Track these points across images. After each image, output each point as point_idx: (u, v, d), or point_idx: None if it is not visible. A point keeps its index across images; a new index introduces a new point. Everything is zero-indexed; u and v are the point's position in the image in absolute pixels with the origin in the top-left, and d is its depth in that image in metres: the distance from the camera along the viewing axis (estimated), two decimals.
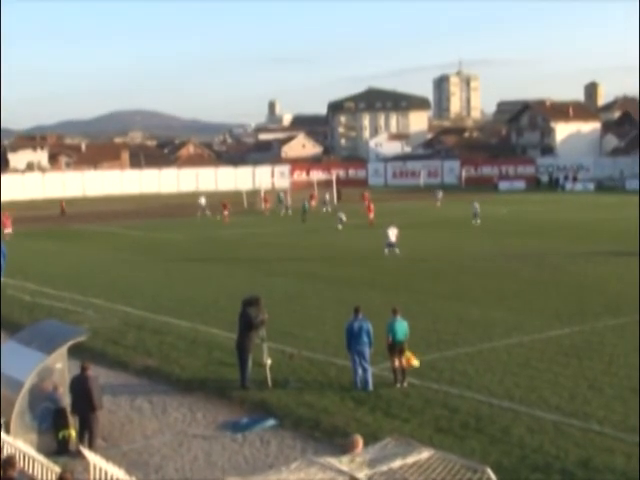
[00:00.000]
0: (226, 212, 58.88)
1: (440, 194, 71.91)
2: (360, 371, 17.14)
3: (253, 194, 75.98)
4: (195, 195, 77.74)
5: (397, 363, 17.29)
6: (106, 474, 10.67)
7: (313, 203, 68.74)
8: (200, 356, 20.26)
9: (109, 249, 44.00)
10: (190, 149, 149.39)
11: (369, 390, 16.87)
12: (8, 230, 49.70)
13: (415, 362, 17.50)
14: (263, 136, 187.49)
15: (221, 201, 60.53)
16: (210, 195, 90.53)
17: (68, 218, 65.47)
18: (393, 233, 38.18)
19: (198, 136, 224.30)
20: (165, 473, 13.53)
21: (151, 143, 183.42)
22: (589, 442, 13.91)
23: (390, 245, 37.78)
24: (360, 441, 10.66)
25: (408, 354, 17.41)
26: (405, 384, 17.11)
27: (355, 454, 8.30)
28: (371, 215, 53.67)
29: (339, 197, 78.32)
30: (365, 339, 17.16)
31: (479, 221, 51.48)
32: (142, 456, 14.26)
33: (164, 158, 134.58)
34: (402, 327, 17.58)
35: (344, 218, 52.24)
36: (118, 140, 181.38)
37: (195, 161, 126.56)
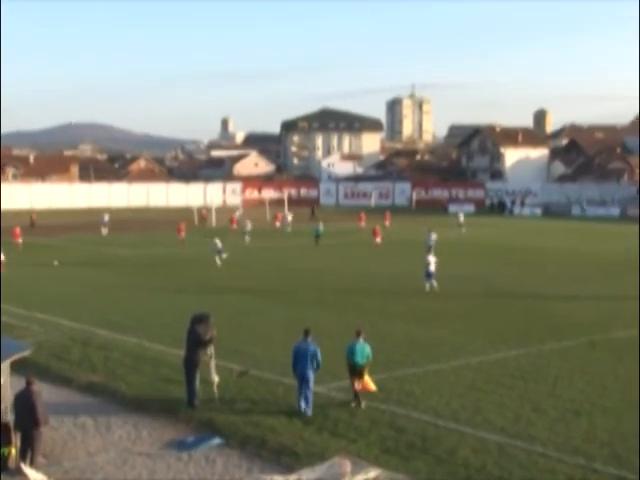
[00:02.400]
0: (182, 234, 55.19)
1: (462, 218, 68.21)
2: (303, 394, 16.82)
3: (223, 210, 75.80)
4: (145, 211, 77.20)
5: (355, 385, 17.24)
6: None
7: (277, 223, 67.90)
8: (146, 373, 20.02)
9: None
10: (141, 164, 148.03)
11: (308, 415, 16.56)
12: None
13: (372, 387, 17.44)
14: (215, 153, 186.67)
15: (177, 224, 58.83)
16: (161, 211, 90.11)
17: (38, 230, 64.58)
18: (433, 261, 33.24)
19: (150, 151, 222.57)
20: None
21: (101, 157, 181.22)
22: (532, 463, 14.07)
23: (429, 276, 33.13)
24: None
25: (366, 378, 17.35)
26: (362, 406, 17.05)
27: (302, 473, 8.28)
28: (378, 239, 52.76)
29: (313, 215, 78.24)
30: (310, 363, 16.87)
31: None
32: (84, 474, 14.01)
33: (114, 172, 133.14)
34: (363, 350, 17.44)
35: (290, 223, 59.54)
36: (68, 153, 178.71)
37: (146, 176, 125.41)
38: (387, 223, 67.29)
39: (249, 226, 53.54)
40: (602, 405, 17.48)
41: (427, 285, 33.50)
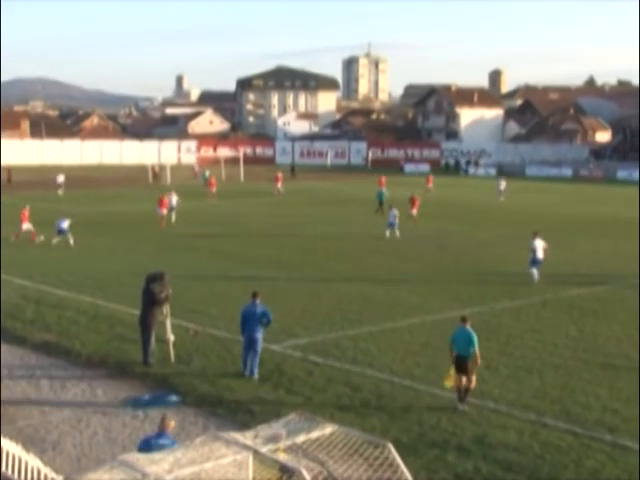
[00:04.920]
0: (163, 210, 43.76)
1: (502, 185, 60.19)
2: (249, 357, 16.70)
3: (178, 168, 74.98)
4: (100, 168, 76.27)
5: (461, 381, 14.89)
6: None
7: (279, 185, 61.14)
8: (102, 332, 19.92)
9: (7, 221, 42.64)
10: (94, 121, 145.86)
11: (254, 377, 16.44)
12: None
13: (448, 382, 15.11)
14: (170, 110, 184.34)
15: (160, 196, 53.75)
16: (114, 169, 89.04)
17: (14, 186, 63.53)
18: (540, 246, 27.72)
19: (102, 108, 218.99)
20: (62, 449, 13.29)
21: (53, 113, 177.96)
22: (484, 419, 14.35)
23: (536, 262, 27.44)
24: (172, 422, 10.76)
25: (451, 372, 14.99)
26: (465, 407, 14.80)
27: (258, 429, 8.34)
28: (414, 211, 42.46)
29: (292, 174, 77.35)
30: (259, 326, 16.71)
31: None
32: (39, 432, 13.96)
33: (66, 129, 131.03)
34: (465, 338, 15.03)
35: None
36: (18, 108, 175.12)
37: (99, 133, 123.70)
38: (502, 199, 58.49)
39: (174, 201, 43.62)
40: (553, 362, 17.84)
41: (387, 232, 36.93)
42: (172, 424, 10.88)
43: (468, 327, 15.13)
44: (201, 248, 33.80)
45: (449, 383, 14.98)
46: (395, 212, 37.54)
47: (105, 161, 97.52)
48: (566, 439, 13.52)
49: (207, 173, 66.97)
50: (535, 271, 27.17)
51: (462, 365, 14.80)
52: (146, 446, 10.36)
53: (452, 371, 14.88)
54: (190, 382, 16.22)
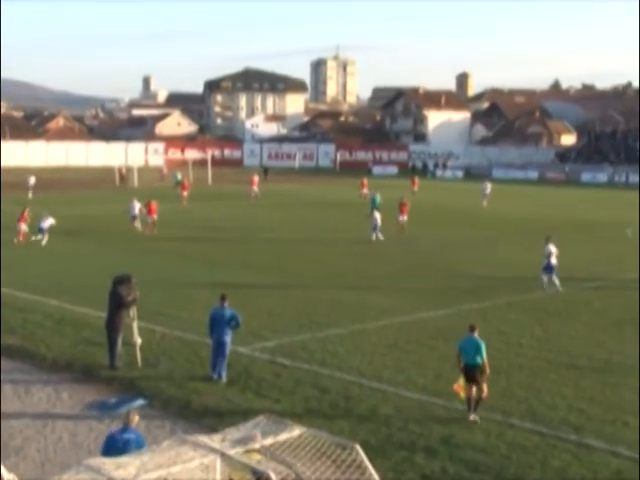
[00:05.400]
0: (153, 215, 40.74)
1: (488, 188, 58.90)
2: (218, 360, 16.61)
3: (145, 170, 74.49)
4: (66, 170, 75.62)
5: (472, 391, 14.55)
6: None
7: (255, 188, 60.46)
8: (68, 335, 19.73)
9: None
10: (60, 122, 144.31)
11: (222, 380, 16.37)
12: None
13: (461, 392, 14.68)
14: (137, 112, 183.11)
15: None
16: (81, 170, 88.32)
17: None
18: (554, 251, 26.83)
19: (68, 109, 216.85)
20: (27, 455, 13.13)
21: (17, 114, 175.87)
22: (452, 420, 14.43)
23: (549, 268, 26.40)
24: (136, 416, 10.80)
25: (460, 381, 14.63)
26: (476, 417, 14.42)
27: (226, 432, 8.32)
28: (404, 217, 41.08)
29: (265, 176, 76.63)
30: (227, 329, 16.64)
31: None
32: (2, 438, 13.77)
33: (32, 130, 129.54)
34: (473, 346, 14.68)
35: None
36: None
37: (65, 135, 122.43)
38: (485, 203, 56.73)
39: (137, 209, 40.44)
40: (519, 363, 17.99)
41: (373, 235, 36.94)
42: (136, 419, 10.85)
43: (476, 335, 14.83)
44: (169, 251, 33.63)
45: (462, 393, 14.56)
46: (377, 214, 37.80)
47: (71, 163, 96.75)
48: (532, 439, 13.64)
49: (179, 176, 66.57)
50: (546, 278, 26.18)
51: (471, 374, 14.51)
52: (112, 441, 10.36)
53: (461, 381, 14.55)
54: (157, 385, 16.12)
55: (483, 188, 58.89)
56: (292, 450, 8.04)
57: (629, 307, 23.77)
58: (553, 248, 26.56)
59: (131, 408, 11.57)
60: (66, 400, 15.68)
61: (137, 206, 40.31)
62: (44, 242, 34.52)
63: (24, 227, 35.66)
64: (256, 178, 62.04)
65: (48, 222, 34.89)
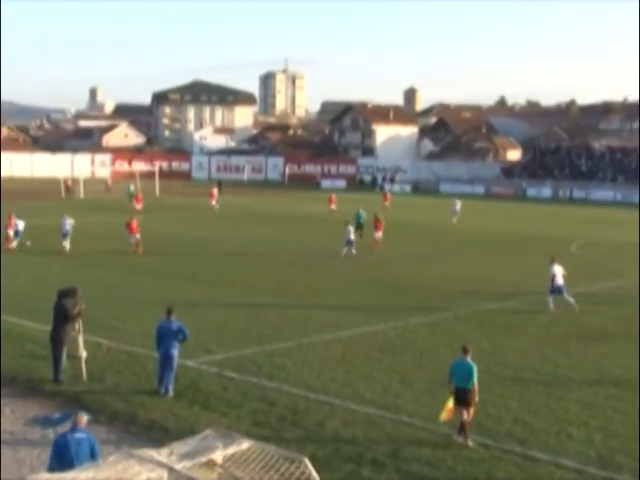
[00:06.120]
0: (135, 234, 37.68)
1: (458, 206, 57.01)
2: (165, 374, 16.44)
3: (92, 182, 73.49)
4: (9, 181, 74.29)
5: (462, 414, 14.17)
6: None
7: (213, 202, 60.50)
8: (11, 349, 19.33)
9: None
10: (4, 132, 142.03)
11: (170, 394, 16.21)
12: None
13: (443, 415, 14.28)
14: (83, 123, 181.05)
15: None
16: (25, 182, 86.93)
17: None
18: (559, 272, 25.98)
19: (13, 119, 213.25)
20: None
21: None
22: (399, 433, 14.50)
23: (557, 291, 25.68)
24: (84, 417, 10.88)
25: (450, 403, 14.24)
26: (468, 442, 14.04)
27: (174, 446, 8.25)
28: (379, 234, 40.34)
29: (220, 189, 76.29)
30: (174, 342, 16.51)
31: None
32: None
33: None
34: (465, 370, 14.36)
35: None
36: None
37: (9, 145, 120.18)
38: (454, 220, 55.34)
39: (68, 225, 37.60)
40: None
41: (344, 250, 36.81)
42: (84, 419, 10.90)
43: (469, 359, 14.48)
44: (115, 263, 33.27)
45: (444, 416, 14.20)
46: (351, 228, 37.61)
47: (15, 173, 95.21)
48: (478, 451, 13.76)
49: (132, 188, 65.92)
50: (551, 299, 25.49)
51: (462, 397, 14.15)
52: (63, 441, 10.52)
53: (450, 403, 14.18)
54: (103, 399, 15.91)
55: (453, 205, 57.13)
56: (240, 464, 8.00)
57: (574, 321, 24.19)
58: (558, 269, 25.84)
59: (79, 411, 11.49)
60: (8, 415, 15.36)
61: (69, 222, 37.38)
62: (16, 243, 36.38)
63: (10, 232, 36.98)
64: (215, 191, 62.12)
65: (21, 225, 36.60)
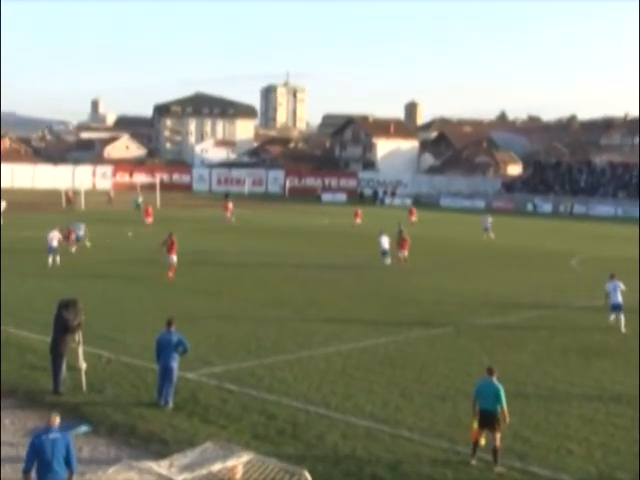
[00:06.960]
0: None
1: (489, 222, 55.69)
2: (164, 386, 16.43)
3: (93, 194, 73.57)
4: (10, 192, 74.39)
5: (482, 436, 13.74)
6: None
7: (229, 214, 61.12)
8: (11, 360, 19.32)
9: None
10: (6, 144, 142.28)
11: (169, 406, 16.19)
12: None
13: (482, 440, 13.83)
14: (85, 135, 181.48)
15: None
16: (27, 193, 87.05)
17: None
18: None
19: (15, 130, 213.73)
20: None
21: None
22: (399, 448, 14.45)
23: (614, 307, 25.36)
24: (57, 418, 11.07)
25: (474, 425, 13.76)
26: (501, 468, 13.53)
27: (173, 458, 8.24)
28: (405, 252, 39.43)
29: (226, 199, 75.98)
30: (174, 354, 16.54)
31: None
32: None
33: None
34: (492, 391, 13.91)
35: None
36: None
37: (11, 156, 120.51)
38: (485, 237, 54.35)
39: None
40: (465, 391, 18.03)
41: (387, 260, 38.71)
42: (57, 420, 11.14)
43: (494, 380, 14.08)
44: (115, 275, 33.26)
45: (476, 437, 13.73)
46: (384, 238, 39.38)
47: (17, 185, 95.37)
48: (478, 467, 13.70)
49: (140, 200, 65.88)
50: (613, 315, 25.07)
51: (488, 420, 13.63)
52: (39, 441, 10.87)
53: (475, 425, 13.73)
54: (102, 411, 15.88)
55: (484, 221, 55.76)
56: (241, 476, 7.99)
57: (574, 335, 24.17)
58: (620, 285, 25.40)
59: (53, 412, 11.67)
60: (8, 426, 15.33)
61: (56, 237, 36.30)
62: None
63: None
64: (230, 205, 62.38)
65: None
